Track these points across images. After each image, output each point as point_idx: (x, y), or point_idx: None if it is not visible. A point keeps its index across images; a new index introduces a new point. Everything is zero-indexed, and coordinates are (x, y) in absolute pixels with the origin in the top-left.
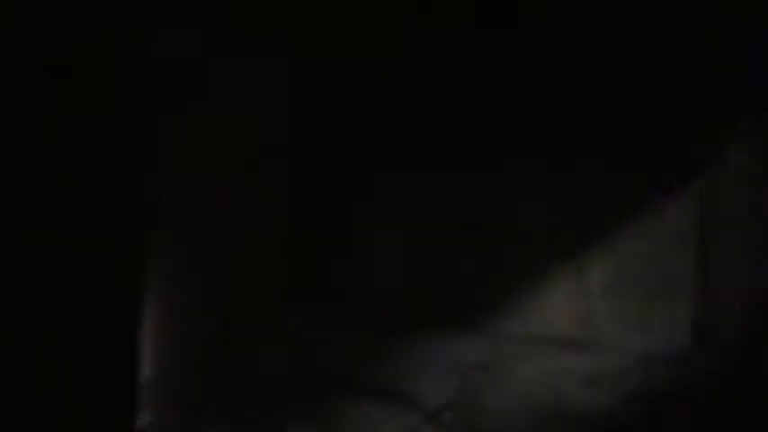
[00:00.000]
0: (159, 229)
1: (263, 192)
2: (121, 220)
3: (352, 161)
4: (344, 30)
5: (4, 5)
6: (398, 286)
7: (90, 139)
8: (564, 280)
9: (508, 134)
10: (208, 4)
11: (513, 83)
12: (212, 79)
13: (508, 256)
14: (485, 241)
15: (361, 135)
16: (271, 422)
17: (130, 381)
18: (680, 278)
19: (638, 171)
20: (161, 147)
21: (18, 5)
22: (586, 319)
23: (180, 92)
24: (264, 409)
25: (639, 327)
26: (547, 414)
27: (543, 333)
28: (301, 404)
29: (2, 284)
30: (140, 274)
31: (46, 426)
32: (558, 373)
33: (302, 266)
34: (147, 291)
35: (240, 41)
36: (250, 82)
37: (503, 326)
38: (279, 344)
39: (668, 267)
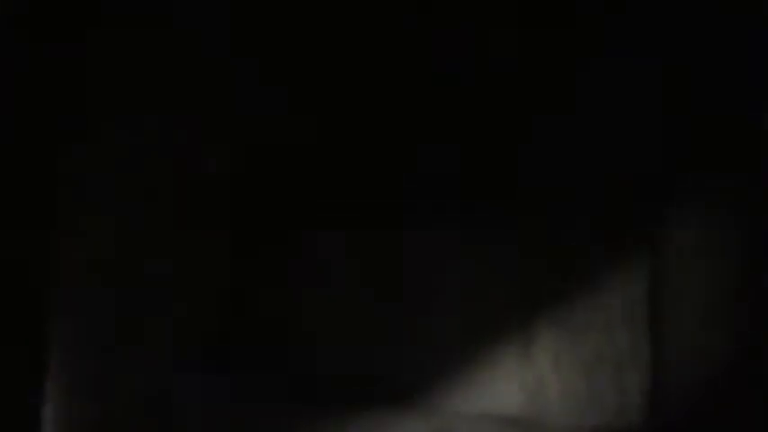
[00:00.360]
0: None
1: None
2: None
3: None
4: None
5: None
6: (336, 359)
7: None
8: (511, 353)
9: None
10: None
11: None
12: None
13: (451, 326)
14: (426, 311)
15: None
16: None
17: None
18: (632, 351)
19: (588, 239)
20: None
21: None
22: (536, 393)
23: None
24: None
25: (591, 401)
26: None
27: (490, 410)
28: None
29: None
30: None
31: None
32: None
33: (223, 332)
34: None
35: None
36: None
37: (447, 402)
38: (194, 423)
39: (620, 340)
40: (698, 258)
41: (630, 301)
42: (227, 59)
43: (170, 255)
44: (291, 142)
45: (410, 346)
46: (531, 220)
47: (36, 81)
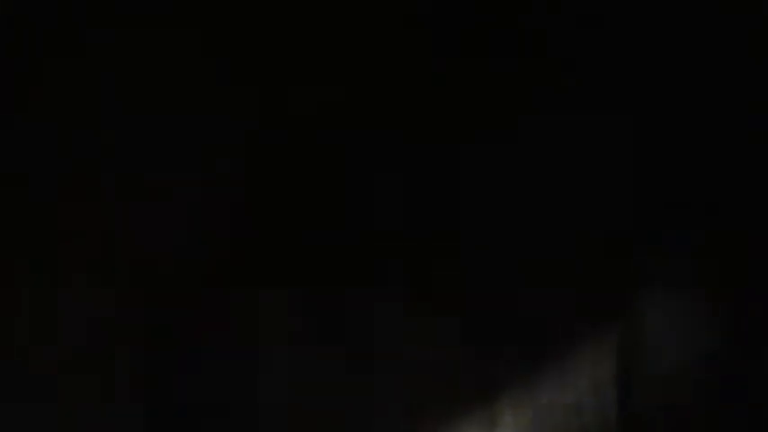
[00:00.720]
0: None
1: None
2: None
3: None
4: None
5: None
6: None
7: None
8: (476, 429)
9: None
10: None
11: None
12: None
13: (414, 402)
14: (389, 385)
15: None
16: None
17: None
18: (600, 430)
19: (554, 318)
20: None
21: None
22: None
23: None
24: None
25: None
26: None
27: None
28: None
29: None
30: None
31: None
32: None
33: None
34: None
35: None
36: None
37: None
38: None
39: (588, 418)
40: (669, 338)
41: (599, 380)
42: None
43: None
44: None
45: (374, 421)
46: (495, 300)
47: None
